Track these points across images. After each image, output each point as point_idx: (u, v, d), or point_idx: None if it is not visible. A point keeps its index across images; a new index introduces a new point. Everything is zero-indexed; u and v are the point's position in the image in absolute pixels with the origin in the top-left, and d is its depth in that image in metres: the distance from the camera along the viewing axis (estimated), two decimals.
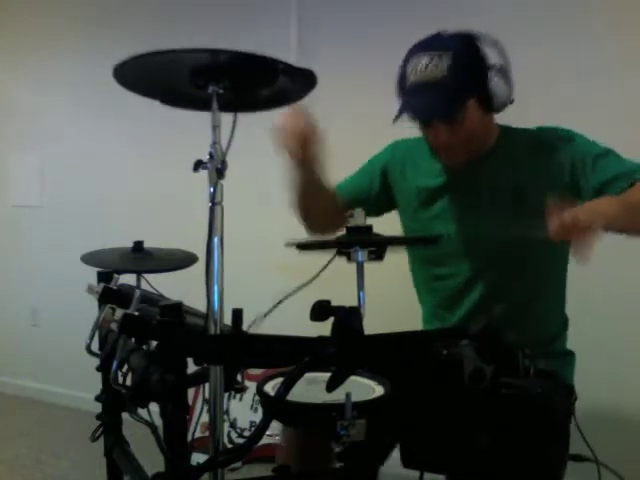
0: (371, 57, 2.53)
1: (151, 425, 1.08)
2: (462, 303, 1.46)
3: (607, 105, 2.16)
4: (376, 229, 1.10)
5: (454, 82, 1.29)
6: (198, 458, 1.01)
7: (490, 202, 1.42)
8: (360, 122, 2.51)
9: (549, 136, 1.42)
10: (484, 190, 1.43)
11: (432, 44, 1.34)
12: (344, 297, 0.99)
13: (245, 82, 1.08)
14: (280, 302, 1.10)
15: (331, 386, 0.93)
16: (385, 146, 1.64)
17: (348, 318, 0.94)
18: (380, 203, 1.61)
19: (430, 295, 1.57)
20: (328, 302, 0.96)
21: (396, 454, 1.37)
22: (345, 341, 0.94)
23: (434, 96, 1.31)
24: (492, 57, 1.33)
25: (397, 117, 1.34)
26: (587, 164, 1.34)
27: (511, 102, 1.38)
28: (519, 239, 1.31)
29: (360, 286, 1.02)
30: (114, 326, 1.08)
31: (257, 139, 2.45)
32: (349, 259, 1.04)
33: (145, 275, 1.33)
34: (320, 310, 0.95)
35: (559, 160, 1.37)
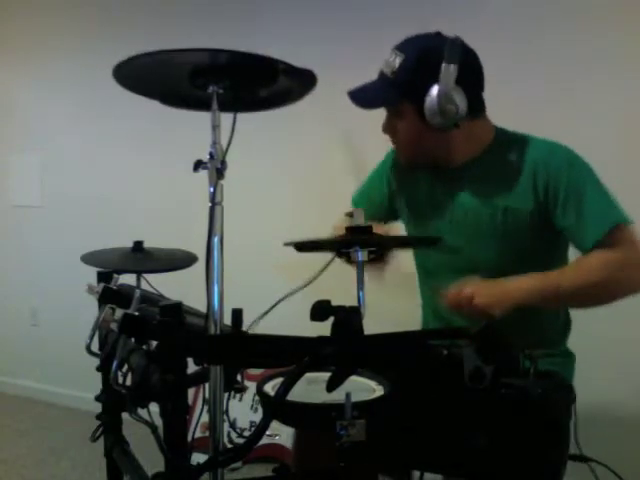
0: (371, 57, 2.53)
1: (151, 425, 1.08)
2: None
3: (606, 105, 2.17)
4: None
5: (394, 79, 1.37)
6: (198, 458, 1.01)
7: (470, 219, 1.43)
8: (361, 122, 2.51)
9: (539, 158, 1.38)
10: (462, 206, 1.44)
11: (402, 43, 1.40)
12: (344, 297, 0.99)
13: (245, 82, 1.08)
14: (279, 302, 1.10)
15: (331, 386, 0.93)
16: (387, 153, 1.65)
17: (348, 318, 0.94)
18: (393, 210, 1.63)
19: (429, 302, 1.58)
20: (328, 302, 0.96)
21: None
22: (345, 341, 0.93)
23: (374, 84, 1.42)
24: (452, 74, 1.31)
25: (351, 100, 1.42)
26: (566, 200, 1.33)
27: (456, 126, 1.36)
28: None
29: (360, 286, 1.02)
30: (114, 326, 1.08)
31: (257, 139, 2.47)
32: (349, 259, 1.03)
33: (145, 275, 1.33)
34: (320, 310, 0.95)
35: (536, 187, 1.36)
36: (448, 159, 1.45)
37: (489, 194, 1.41)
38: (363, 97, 1.42)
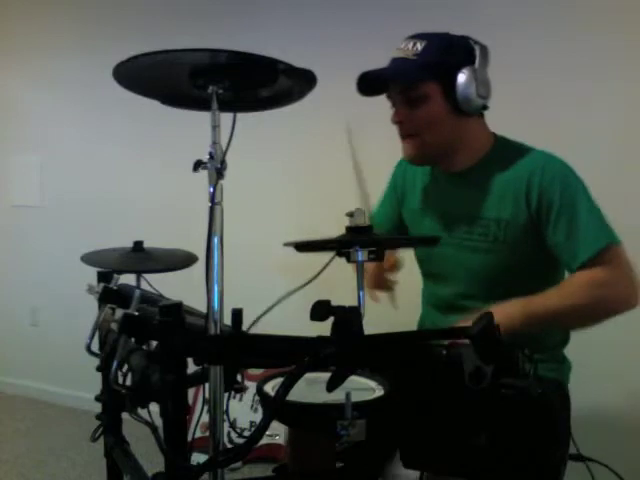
0: (371, 57, 2.53)
1: (151, 425, 1.08)
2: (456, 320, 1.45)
3: (607, 105, 2.17)
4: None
5: (419, 60, 1.34)
6: (198, 458, 1.01)
7: (464, 231, 1.43)
8: (362, 122, 2.50)
9: (535, 168, 1.36)
10: (457, 217, 1.44)
11: (417, 34, 1.39)
12: (344, 297, 0.99)
13: (245, 82, 1.08)
14: (279, 302, 1.10)
15: (331, 386, 0.93)
16: (395, 166, 1.67)
17: (348, 318, 0.94)
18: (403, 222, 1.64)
19: (428, 305, 1.58)
20: (328, 302, 0.95)
21: (396, 454, 1.36)
22: (345, 341, 0.93)
23: (397, 64, 1.38)
24: (473, 60, 1.35)
25: (359, 83, 1.39)
26: (558, 217, 1.32)
27: (483, 108, 1.39)
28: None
29: (360, 286, 1.02)
30: (114, 326, 1.08)
31: (257, 139, 2.46)
32: (349, 259, 1.03)
33: (145, 275, 1.33)
34: (320, 310, 0.95)
35: (529, 197, 1.35)
36: (454, 157, 1.44)
37: (483, 204, 1.40)
38: (379, 78, 1.39)
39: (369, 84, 1.40)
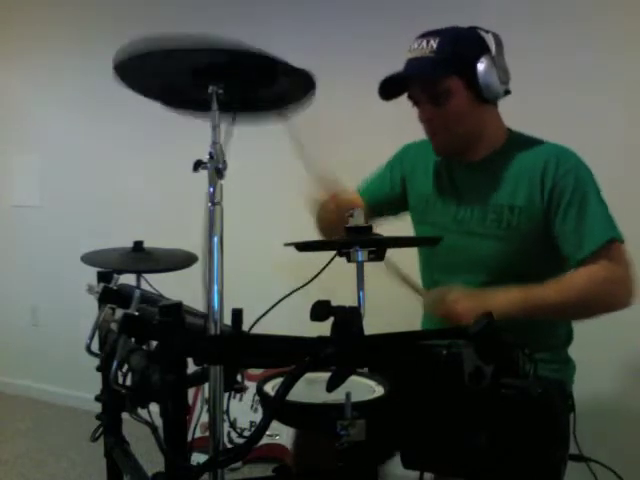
0: (371, 59, 2.53)
1: (151, 425, 1.08)
2: None
3: (608, 107, 2.16)
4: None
5: (437, 56, 1.36)
6: (198, 458, 1.01)
7: (476, 218, 1.44)
8: (362, 122, 2.51)
9: (550, 159, 1.38)
10: (469, 204, 1.45)
11: (427, 32, 1.40)
12: (344, 297, 0.99)
13: (245, 82, 1.08)
14: (280, 302, 1.10)
15: (331, 386, 0.93)
16: (399, 149, 1.66)
17: (348, 318, 0.94)
18: (400, 205, 1.65)
19: None
20: (328, 302, 0.95)
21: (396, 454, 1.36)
22: (345, 341, 0.93)
23: (417, 63, 1.39)
24: (488, 48, 1.37)
25: (381, 87, 1.41)
26: (569, 206, 1.34)
27: (506, 93, 1.41)
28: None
29: (360, 286, 1.02)
30: (114, 326, 1.08)
31: (257, 139, 2.46)
32: (349, 259, 1.03)
33: (145, 275, 1.33)
34: (320, 310, 0.95)
35: (543, 187, 1.37)
36: (475, 147, 1.45)
37: (497, 191, 1.42)
38: (400, 80, 1.40)
39: (389, 88, 1.42)
